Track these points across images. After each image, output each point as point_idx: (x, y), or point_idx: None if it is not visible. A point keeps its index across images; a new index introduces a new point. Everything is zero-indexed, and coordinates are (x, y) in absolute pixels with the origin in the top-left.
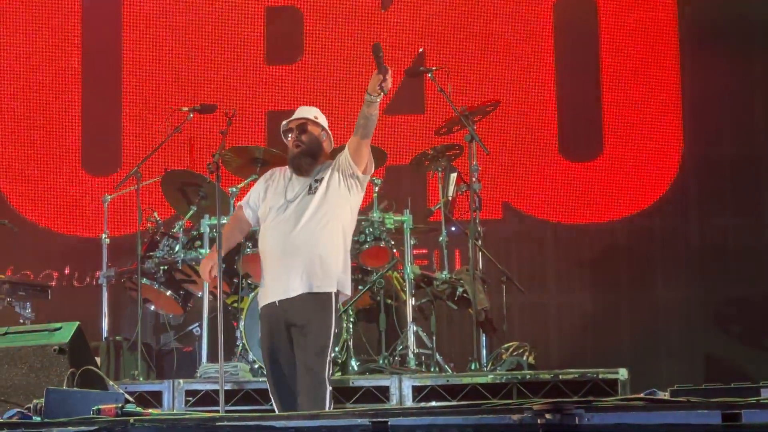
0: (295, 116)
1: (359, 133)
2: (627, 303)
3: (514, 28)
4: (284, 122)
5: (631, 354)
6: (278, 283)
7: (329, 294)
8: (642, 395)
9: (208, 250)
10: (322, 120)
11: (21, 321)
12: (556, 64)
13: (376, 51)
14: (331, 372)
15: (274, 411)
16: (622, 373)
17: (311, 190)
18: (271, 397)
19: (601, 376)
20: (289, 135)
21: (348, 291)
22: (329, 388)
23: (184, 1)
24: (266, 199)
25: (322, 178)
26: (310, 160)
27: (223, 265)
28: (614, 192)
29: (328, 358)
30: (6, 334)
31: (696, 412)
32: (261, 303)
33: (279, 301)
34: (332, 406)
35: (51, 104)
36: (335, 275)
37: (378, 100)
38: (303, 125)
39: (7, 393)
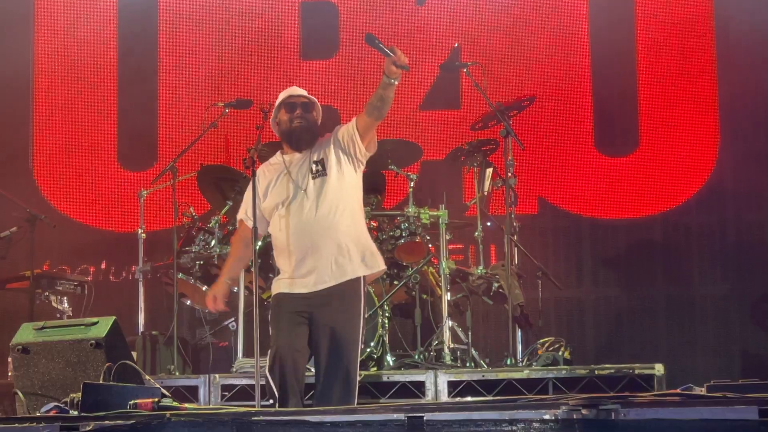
0: (294, 91)
1: (374, 114)
2: (663, 298)
3: (550, 22)
4: (286, 96)
5: (667, 349)
6: (304, 274)
7: (358, 279)
8: (678, 390)
9: None
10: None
11: (58, 316)
12: (591, 58)
13: (371, 41)
14: (358, 365)
15: (309, 405)
16: (658, 369)
17: (315, 173)
18: (272, 382)
19: (637, 371)
20: (290, 111)
21: (381, 265)
22: (357, 380)
23: None
24: (267, 199)
25: (323, 159)
26: (310, 137)
27: (259, 261)
28: (650, 187)
29: (359, 347)
30: (43, 328)
31: (732, 407)
32: (281, 290)
33: (307, 294)
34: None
35: (87, 100)
36: (361, 259)
37: (397, 81)
38: (308, 104)
39: (44, 387)
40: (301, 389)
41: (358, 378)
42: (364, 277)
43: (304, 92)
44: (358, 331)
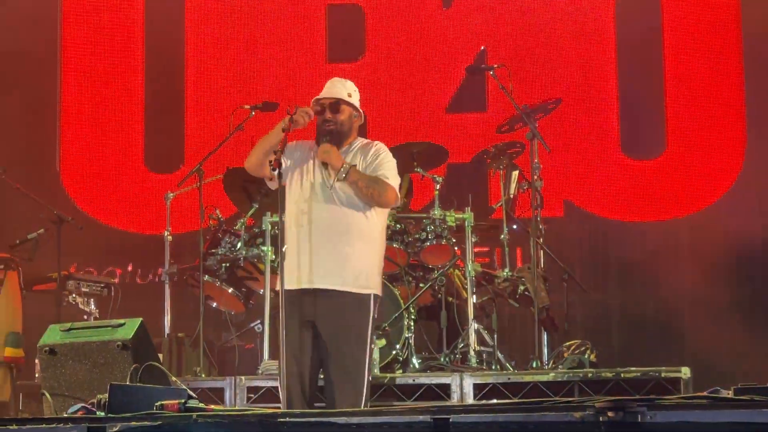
0: (328, 91)
1: (378, 203)
2: (689, 301)
3: (576, 25)
4: (318, 97)
5: (694, 352)
6: (311, 270)
7: (369, 296)
8: (705, 394)
9: (269, 248)
10: (355, 97)
11: (84, 317)
12: (618, 61)
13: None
14: (370, 368)
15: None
16: (685, 372)
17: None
18: (284, 385)
19: (663, 374)
20: (318, 113)
21: (380, 291)
22: (367, 380)
23: None
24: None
25: (355, 167)
26: (336, 139)
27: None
28: (677, 190)
29: (368, 356)
30: (70, 330)
31: (760, 410)
32: (287, 285)
33: (314, 289)
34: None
35: (114, 102)
36: (375, 276)
37: (342, 177)
38: (336, 105)
39: (71, 388)
40: (310, 397)
41: (371, 380)
42: (375, 295)
43: (337, 87)
44: (366, 343)
